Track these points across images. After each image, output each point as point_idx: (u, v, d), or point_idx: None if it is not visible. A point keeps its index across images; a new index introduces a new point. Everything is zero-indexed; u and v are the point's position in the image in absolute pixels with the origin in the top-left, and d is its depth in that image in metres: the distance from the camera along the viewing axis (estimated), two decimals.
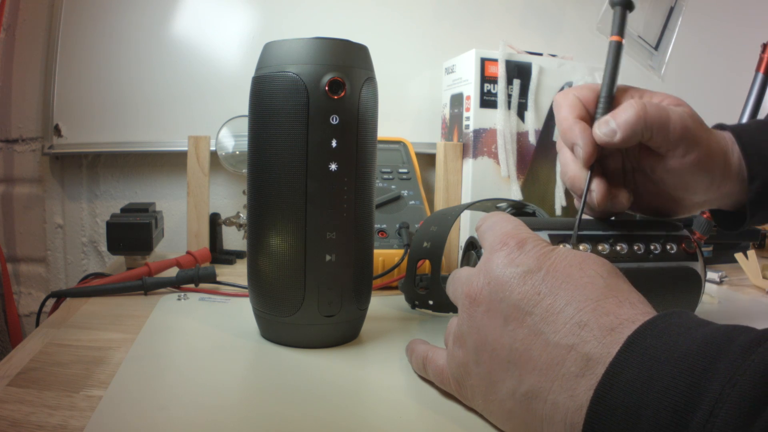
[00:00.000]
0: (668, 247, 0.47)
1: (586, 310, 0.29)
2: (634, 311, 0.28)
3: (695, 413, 0.22)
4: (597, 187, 0.45)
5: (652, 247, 0.47)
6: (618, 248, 0.46)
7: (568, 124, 0.46)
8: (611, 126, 0.44)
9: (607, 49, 0.49)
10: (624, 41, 0.49)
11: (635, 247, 0.46)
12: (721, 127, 0.49)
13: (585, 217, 0.48)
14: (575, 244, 0.46)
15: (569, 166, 0.47)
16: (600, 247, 0.46)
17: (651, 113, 0.43)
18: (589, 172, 0.45)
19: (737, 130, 0.47)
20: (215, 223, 0.78)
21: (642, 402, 0.24)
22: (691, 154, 0.44)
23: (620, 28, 0.49)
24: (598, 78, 0.78)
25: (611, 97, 0.47)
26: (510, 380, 0.30)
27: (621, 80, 0.47)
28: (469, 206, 0.58)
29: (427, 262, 0.60)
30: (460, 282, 0.36)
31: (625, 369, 0.25)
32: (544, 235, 0.46)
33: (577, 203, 0.47)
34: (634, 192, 0.48)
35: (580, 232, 0.46)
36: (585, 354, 0.27)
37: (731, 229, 0.51)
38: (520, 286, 0.31)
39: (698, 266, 0.48)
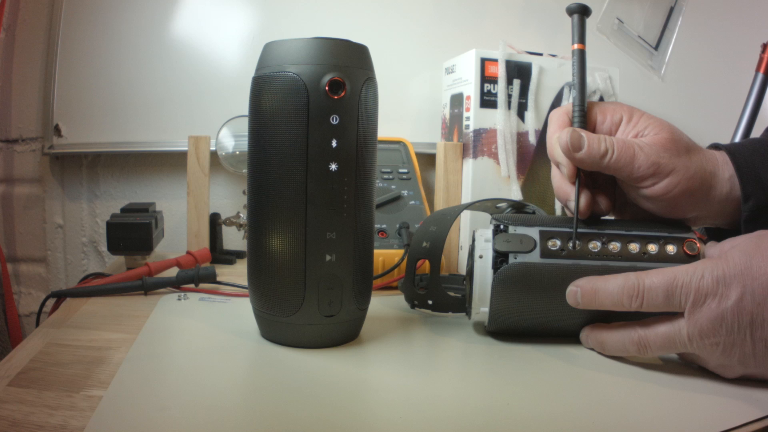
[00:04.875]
0: (668, 248, 0.46)
1: None
2: None
3: None
4: (581, 197, 0.47)
5: (649, 247, 0.46)
6: (610, 247, 0.46)
7: (551, 142, 0.49)
8: (583, 140, 0.46)
9: (572, 59, 0.49)
10: (585, 48, 0.49)
11: (630, 247, 0.46)
12: (716, 146, 0.50)
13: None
14: (575, 242, 0.46)
15: (555, 178, 0.50)
16: (591, 245, 0.46)
17: (618, 154, 0.45)
18: (576, 184, 0.47)
19: (732, 150, 0.49)
20: (215, 223, 0.78)
21: None
22: (662, 183, 0.46)
23: (581, 36, 0.49)
24: (598, 78, 0.78)
25: (583, 106, 0.49)
26: None
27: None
28: (469, 206, 0.58)
29: (427, 262, 0.60)
30: None
31: None
32: (535, 231, 0.46)
33: (567, 211, 0.49)
34: (636, 211, 0.51)
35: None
36: None
37: None
38: None
39: None
